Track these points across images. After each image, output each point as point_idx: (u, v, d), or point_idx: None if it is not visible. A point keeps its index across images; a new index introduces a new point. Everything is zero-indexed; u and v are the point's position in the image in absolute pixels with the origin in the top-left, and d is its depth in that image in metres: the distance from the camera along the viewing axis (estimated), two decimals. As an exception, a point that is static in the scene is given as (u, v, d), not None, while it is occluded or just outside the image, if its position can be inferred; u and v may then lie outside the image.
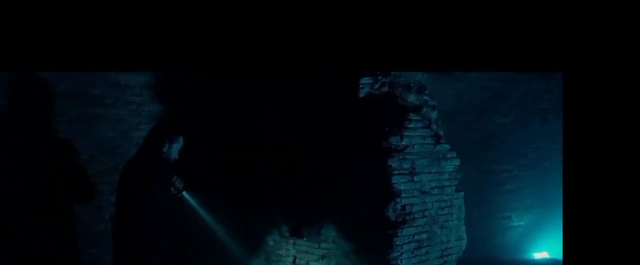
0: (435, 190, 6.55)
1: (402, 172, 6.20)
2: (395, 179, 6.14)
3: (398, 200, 6.15)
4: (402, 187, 6.19)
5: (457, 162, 6.84)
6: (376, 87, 6.49)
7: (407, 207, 6.21)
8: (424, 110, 6.77)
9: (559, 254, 10.11)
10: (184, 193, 5.60)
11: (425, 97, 6.88)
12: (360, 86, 6.42)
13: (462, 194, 6.88)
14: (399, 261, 6.08)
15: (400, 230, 6.12)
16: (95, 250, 6.52)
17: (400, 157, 6.23)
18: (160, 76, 6.48)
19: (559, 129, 10.98)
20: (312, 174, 6.43)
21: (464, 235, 6.86)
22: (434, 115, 6.90)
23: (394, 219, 6.13)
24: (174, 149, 5.45)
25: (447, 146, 6.79)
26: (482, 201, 9.24)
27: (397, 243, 6.08)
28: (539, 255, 10.04)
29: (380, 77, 6.47)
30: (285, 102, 6.73)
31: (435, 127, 6.84)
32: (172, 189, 5.45)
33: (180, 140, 5.47)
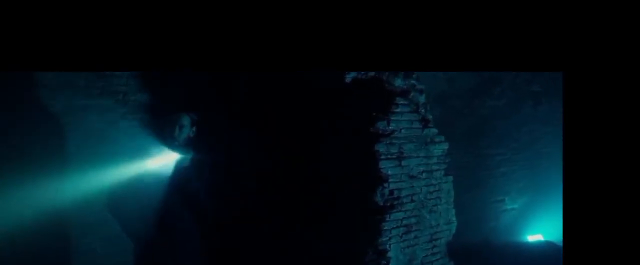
0: (424, 174, 6.41)
1: (389, 156, 6.06)
2: (382, 164, 6.00)
3: (386, 185, 6.02)
4: (389, 171, 6.05)
5: (445, 146, 6.69)
6: (363, 72, 6.35)
7: (395, 192, 6.08)
8: (412, 94, 6.62)
9: (552, 236, 10.00)
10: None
11: (413, 81, 6.72)
12: (347, 71, 6.27)
13: (451, 177, 6.74)
14: (387, 246, 5.95)
15: (388, 215, 5.99)
16: (89, 240, 6.41)
17: (388, 142, 6.09)
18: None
19: (551, 112, 10.99)
20: (299, 160, 6.30)
21: (454, 219, 6.72)
22: (421, 99, 6.74)
23: (382, 204, 6.01)
24: (184, 132, 5.32)
25: (435, 130, 6.64)
26: (475, 185, 9.11)
27: (386, 228, 5.96)
28: (533, 237, 9.90)
29: (366, 62, 6.33)
30: (270, 89, 6.59)
31: (423, 111, 6.68)
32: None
33: (187, 120, 5.33)
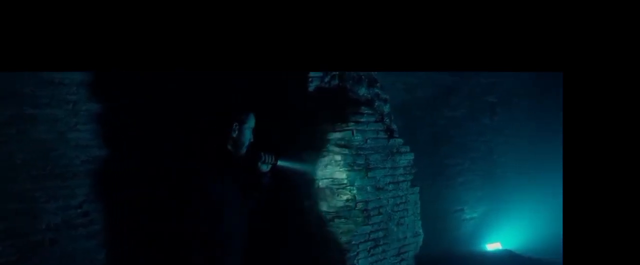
0: (390, 185, 5.97)
1: (356, 168, 5.59)
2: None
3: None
4: (356, 183, 5.58)
5: (411, 157, 6.28)
6: (326, 80, 5.89)
7: (362, 205, 5.61)
8: (376, 103, 6.19)
9: (510, 245, 9.72)
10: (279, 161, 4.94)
11: (377, 90, 6.30)
12: (310, 79, 5.79)
13: (417, 188, 6.32)
14: (355, 261, 5.48)
15: (356, 230, 5.52)
16: (38, 259, 5.71)
17: (354, 153, 5.62)
18: (100, 74, 5.72)
19: (506, 122, 10.76)
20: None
21: (421, 231, 6.30)
22: (386, 108, 6.32)
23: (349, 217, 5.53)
24: (247, 130, 4.77)
25: (400, 140, 6.22)
26: (436, 195, 8.73)
27: (354, 242, 5.48)
28: (492, 246, 9.59)
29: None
30: (229, 97, 6.05)
31: (387, 120, 6.26)
32: (264, 165, 4.76)
33: (252, 117, 4.82)
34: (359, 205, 5.55)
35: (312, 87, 5.78)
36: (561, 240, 10.57)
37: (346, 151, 5.56)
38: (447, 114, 9.76)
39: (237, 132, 4.70)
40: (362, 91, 6.08)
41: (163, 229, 5.68)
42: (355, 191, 5.54)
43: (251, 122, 4.81)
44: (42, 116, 5.52)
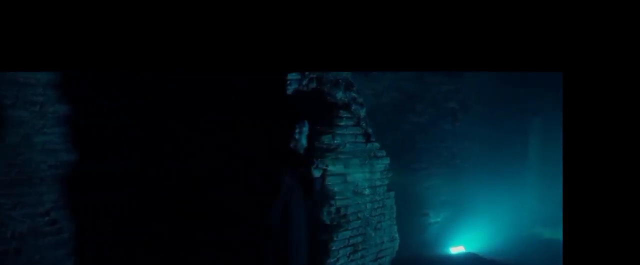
0: (368, 190, 5.83)
1: (335, 172, 5.42)
2: (329, 180, 5.35)
3: (333, 202, 5.37)
4: (336, 188, 5.41)
5: (387, 161, 6.16)
6: (304, 83, 5.70)
7: (342, 210, 5.44)
8: (353, 107, 6.04)
9: (473, 248, 9.73)
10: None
11: (353, 94, 6.16)
12: (288, 82, 5.59)
13: (393, 193, 6.21)
14: (335, 267, 5.29)
15: (336, 235, 5.34)
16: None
17: (333, 157, 5.45)
18: (68, 74, 5.36)
19: (467, 128, 10.81)
20: (237, 178, 5.52)
21: (397, 235, 6.19)
22: (362, 112, 6.18)
23: (328, 222, 5.35)
24: (304, 135, 4.94)
25: (377, 144, 6.10)
26: (402, 200, 8.61)
27: (333, 248, 5.31)
28: (456, 249, 9.57)
29: (307, 73, 5.67)
30: (207, 99, 5.79)
31: (364, 124, 6.12)
32: (317, 170, 4.84)
33: (306, 124, 4.99)
34: (341, 211, 5.37)
35: (290, 90, 5.58)
36: (522, 242, 10.62)
37: (326, 155, 5.38)
38: (411, 119, 9.70)
39: (299, 135, 4.90)
40: (340, 95, 5.92)
41: (163, 230, 5.46)
42: (335, 196, 5.36)
43: (306, 128, 5.00)
44: (7, 118, 5.13)
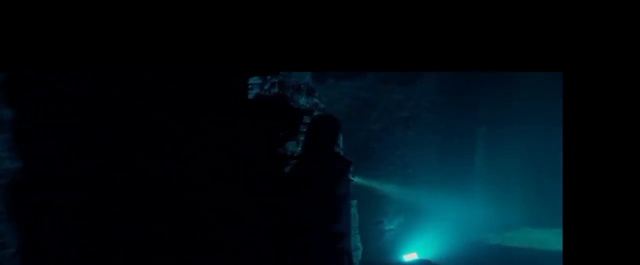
0: (332, 198, 5.53)
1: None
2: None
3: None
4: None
5: (351, 168, 5.88)
6: (266, 87, 5.38)
7: (307, 218, 5.12)
8: (315, 113, 5.75)
9: (425, 254, 9.59)
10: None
11: (316, 100, 5.88)
12: (249, 87, 5.26)
13: (355, 201, 5.94)
14: (300, 278, 4.96)
15: (300, 244, 5.02)
16: None
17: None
18: (12, 75, 4.86)
19: (419, 136, 10.73)
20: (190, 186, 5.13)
21: (360, 244, 5.94)
22: (325, 119, 5.90)
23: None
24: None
25: (340, 152, 5.81)
26: (361, 207, 8.39)
27: (299, 258, 4.97)
28: (409, 256, 9.40)
29: (269, 77, 5.37)
30: (164, 101, 5.37)
31: (326, 131, 5.84)
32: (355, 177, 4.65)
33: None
34: (304, 219, 5.06)
35: (251, 94, 5.26)
36: (471, 248, 10.54)
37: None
38: (366, 127, 9.54)
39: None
40: (302, 100, 5.63)
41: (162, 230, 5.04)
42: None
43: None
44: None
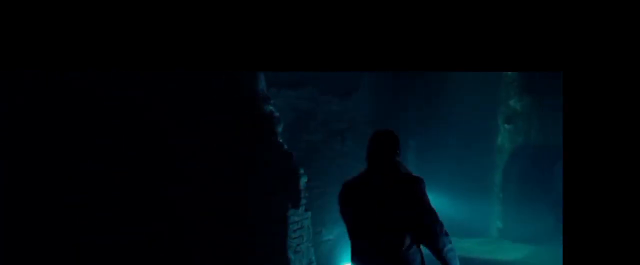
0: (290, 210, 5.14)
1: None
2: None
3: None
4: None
5: (305, 179, 5.53)
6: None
7: (266, 232, 4.71)
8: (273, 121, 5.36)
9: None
10: None
11: (271, 108, 5.48)
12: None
13: (309, 213, 5.58)
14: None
15: (260, 260, 4.59)
16: None
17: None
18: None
19: (355, 147, 10.52)
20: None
21: (314, 258, 5.55)
22: (280, 127, 5.53)
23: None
24: None
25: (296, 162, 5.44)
26: (301, 218, 8.03)
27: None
28: (347, 267, 9.10)
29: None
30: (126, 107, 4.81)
31: (281, 140, 5.46)
32: None
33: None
34: (264, 233, 4.64)
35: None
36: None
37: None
38: (305, 138, 9.22)
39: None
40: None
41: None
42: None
43: None
44: None
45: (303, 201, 5.45)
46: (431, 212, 3.11)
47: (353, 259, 3.36)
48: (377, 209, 3.15)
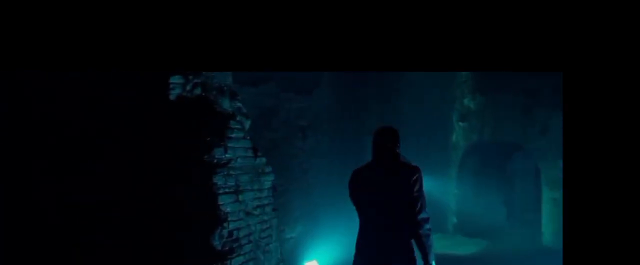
0: (257, 210, 4.87)
1: (227, 190, 4.39)
2: (221, 200, 4.30)
3: (226, 225, 4.32)
4: (229, 208, 4.37)
5: (273, 177, 5.26)
6: (188, 88, 4.60)
7: (235, 233, 4.42)
8: (238, 118, 5.05)
9: (325, 262, 9.13)
10: None
11: (239, 104, 5.18)
12: (171, 87, 4.45)
13: (277, 212, 5.29)
14: (229, 300, 4.23)
15: (229, 262, 4.29)
16: None
17: (225, 173, 4.42)
18: None
19: (317, 145, 10.28)
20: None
21: (282, 257, 5.26)
22: (247, 124, 5.23)
23: (220, 248, 4.28)
24: None
25: (264, 159, 5.18)
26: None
27: (228, 278, 4.23)
28: (310, 264, 8.87)
29: (191, 77, 4.59)
30: (76, 103, 4.40)
31: (249, 137, 5.15)
32: None
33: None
34: (233, 234, 4.34)
35: (173, 95, 4.44)
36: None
37: (218, 171, 4.33)
38: (267, 135, 8.89)
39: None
40: (226, 104, 4.90)
41: None
42: (227, 217, 4.32)
43: None
44: None
45: (272, 200, 5.15)
46: (423, 196, 3.58)
47: (361, 233, 3.69)
48: (382, 189, 3.59)
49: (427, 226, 3.52)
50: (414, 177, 3.57)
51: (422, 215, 3.51)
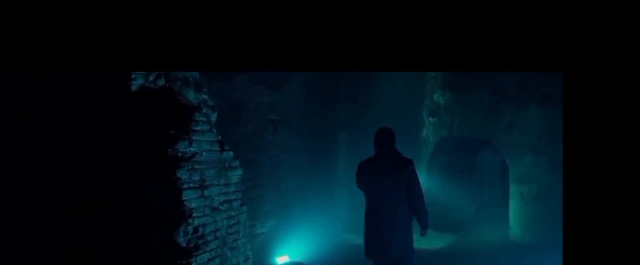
0: (224, 205, 4.65)
1: (192, 185, 4.15)
2: (186, 195, 4.06)
3: (190, 221, 4.07)
4: (193, 204, 4.13)
5: (241, 172, 5.05)
6: (151, 79, 4.33)
7: (200, 229, 4.18)
8: (204, 110, 4.80)
9: (297, 257, 8.94)
10: None
11: (204, 96, 4.93)
12: (132, 78, 4.18)
13: (245, 208, 5.08)
14: (193, 299, 3.99)
15: (194, 259, 4.05)
16: None
17: (190, 167, 4.18)
18: None
19: (288, 139, 10.05)
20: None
21: (250, 253, 5.08)
22: (213, 117, 4.99)
23: (185, 245, 4.04)
24: None
25: (231, 153, 4.94)
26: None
27: (192, 276, 3.99)
28: (281, 259, 8.68)
29: (154, 68, 4.32)
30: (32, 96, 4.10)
31: (215, 131, 4.91)
32: None
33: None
34: (199, 230, 4.10)
35: (135, 86, 4.17)
36: (335, 248, 10.16)
37: (182, 165, 4.08)
38: (237, 129, 8.63)
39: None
40: (191, 96, 4.65)
41: None
42: (192, 213, 4.08)
43: None
44: None
45: (239, 195, 4.92)
46: (417, 178, 4.72)
47: (367, 214, 4.78)
48: (384, 175, 4.64)
49: (422, 199, 4.63)
50: (409, 166, 4.65)
51: (417, 191, 4.61)
